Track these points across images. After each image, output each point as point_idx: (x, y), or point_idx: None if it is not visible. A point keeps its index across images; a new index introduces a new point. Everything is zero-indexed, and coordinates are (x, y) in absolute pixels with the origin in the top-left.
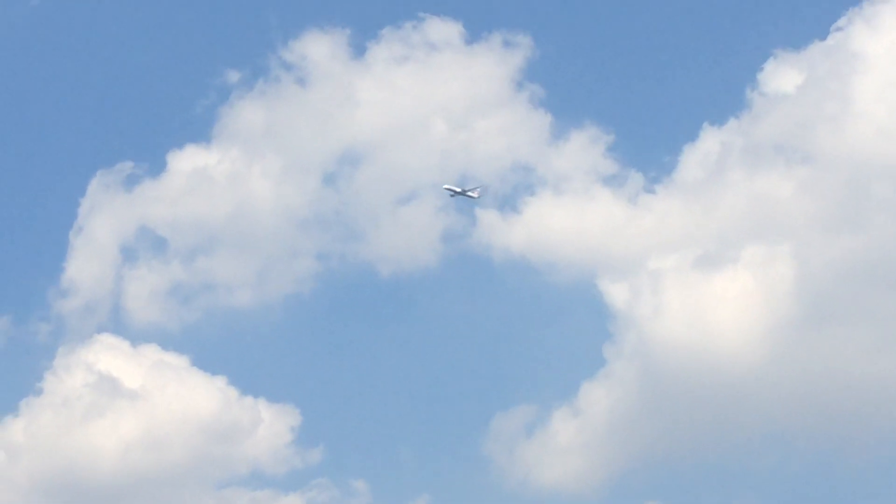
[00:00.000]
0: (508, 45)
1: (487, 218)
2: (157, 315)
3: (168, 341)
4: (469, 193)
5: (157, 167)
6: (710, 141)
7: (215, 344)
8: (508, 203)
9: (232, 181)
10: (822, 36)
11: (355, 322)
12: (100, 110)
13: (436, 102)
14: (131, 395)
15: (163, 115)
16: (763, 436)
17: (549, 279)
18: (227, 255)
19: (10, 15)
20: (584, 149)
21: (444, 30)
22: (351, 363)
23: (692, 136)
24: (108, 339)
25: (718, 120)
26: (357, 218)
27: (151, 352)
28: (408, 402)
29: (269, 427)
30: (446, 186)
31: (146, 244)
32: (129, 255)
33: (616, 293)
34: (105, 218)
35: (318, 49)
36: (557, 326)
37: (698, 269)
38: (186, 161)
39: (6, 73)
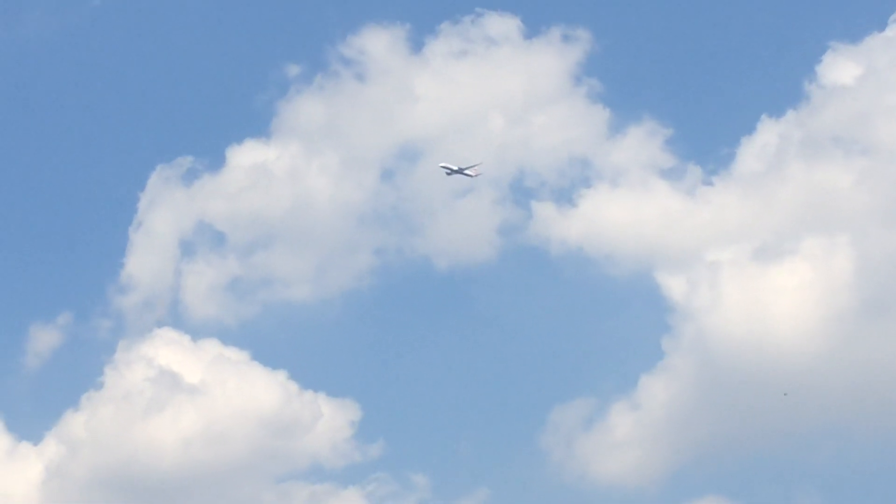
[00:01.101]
0: (567, 39)
1: (544, 211)
2: (216, 310)
3: (228, 336)
4: (466, 172)
5: (216, 162)
6: (769, 133)
7: (275, 338)
8: (565, 196)
9: (290, 176)
10: (881, 27)
11: (413, 316)
12: (160, 105)
13: (494, 97)
14: (192, 390)
15: (222, 110)
16: (822, 428)
17: (606, 271)
18: (285, 250)
19: (72, 14)
20: (642, 143)
21: (502, 24)
22: (410, 357)
23: (750, 128)
24: (168, 333)
25: (776, 112)
26: (414, 212)
27: (212, 346)
28: (467, 396)
29: (329, 422)
30: (442, 164)
31: (204, 239)
32: (187, 249)
33: (674, 286)
34: (164, 213)
35: (377, 44)
36: (615, 319)
37: (756, 261)
38: (245, 156)
39: (67, 70)
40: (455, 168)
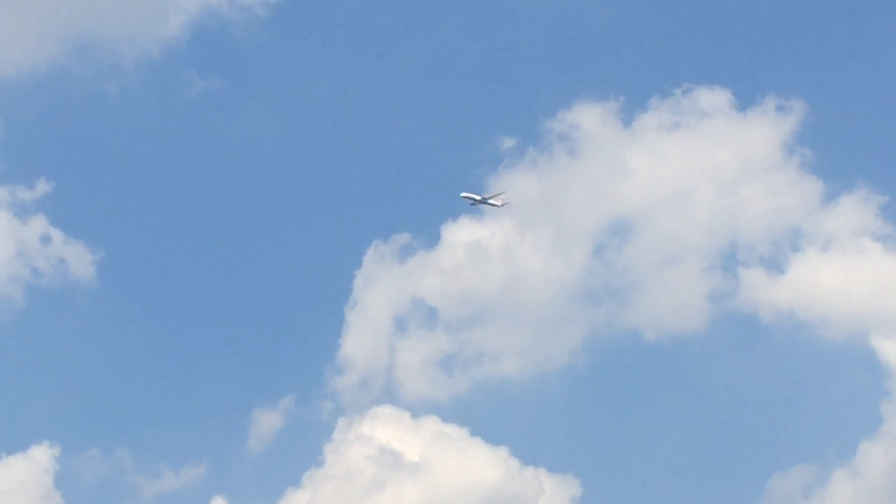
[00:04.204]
0: (781, 109)
1: (752, 277)
2: (430, 386)
3: (446, 412)
4: (491, 201)
5: (431, 239)
6: None
7: (493, 414)
8: (774, 263)
9: (504, 253)
10: None
11: (627, 389)
12: (378, 182)
13: (705, 169)
14: (413, 467)
15: (439, 186)
16: None
17: (820, 335)
18: (497, 326)
19: (292, 105)
20: (855, 210)
21: (712, 97)
22: (626, 430)
23: None
24: (385, 411)
25: None
26: (625, 285)
27: (431, 423)
28: (684, 467)
29: (549, 497)
30: (464, 194)
31: (418, 315)
32: (400, 326)
33: (890, 350)
34: (379, 290)
35: (589, 118)
36: (831, 384)
37: None
38: (461, 233)
39: (287, 153)
40: (478, 198)
